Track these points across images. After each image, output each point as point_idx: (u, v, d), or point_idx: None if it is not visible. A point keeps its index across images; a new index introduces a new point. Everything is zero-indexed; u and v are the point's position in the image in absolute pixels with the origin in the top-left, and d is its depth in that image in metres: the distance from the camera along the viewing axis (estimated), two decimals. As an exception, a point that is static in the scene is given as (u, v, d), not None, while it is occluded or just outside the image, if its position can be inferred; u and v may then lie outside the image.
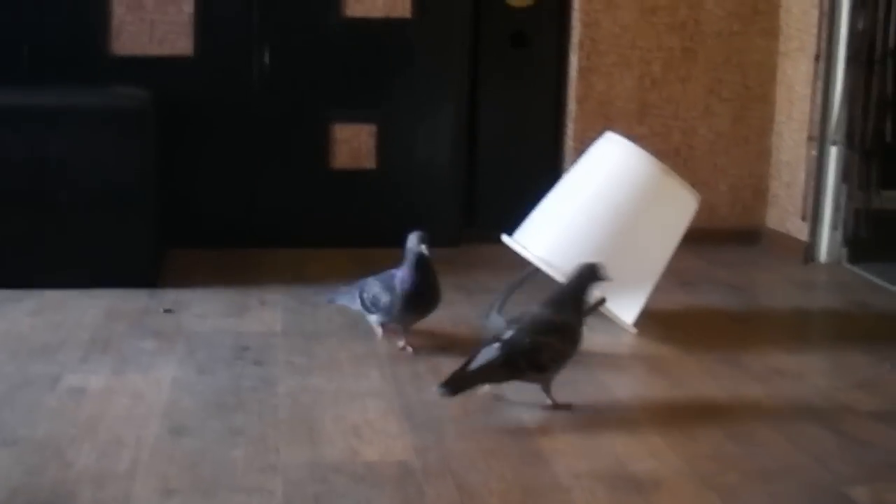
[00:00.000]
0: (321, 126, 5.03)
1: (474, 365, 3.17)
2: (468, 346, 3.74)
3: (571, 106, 5.22)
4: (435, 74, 5.10)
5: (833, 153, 4.99)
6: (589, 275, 3.32)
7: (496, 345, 3.19)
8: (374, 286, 3.74)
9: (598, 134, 4.16)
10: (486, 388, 3.24)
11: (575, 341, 3.27)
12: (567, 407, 3.22)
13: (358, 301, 3.80)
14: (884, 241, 5.00)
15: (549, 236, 3.96)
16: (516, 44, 5.23)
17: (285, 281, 4.48)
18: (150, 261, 4.41)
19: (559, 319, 3.26)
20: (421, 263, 3.63)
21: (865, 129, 4.88)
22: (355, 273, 4.54)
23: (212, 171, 5.02)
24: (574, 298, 3.31)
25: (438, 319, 3.99)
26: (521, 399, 3.26)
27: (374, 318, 3.77)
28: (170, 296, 4.24)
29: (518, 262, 4.05)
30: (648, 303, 3.97)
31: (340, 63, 5.01)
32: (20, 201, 4.26)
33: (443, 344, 3.79)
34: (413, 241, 3.63)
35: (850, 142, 4.92)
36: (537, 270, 3.95)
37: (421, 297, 3.68)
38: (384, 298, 3.68)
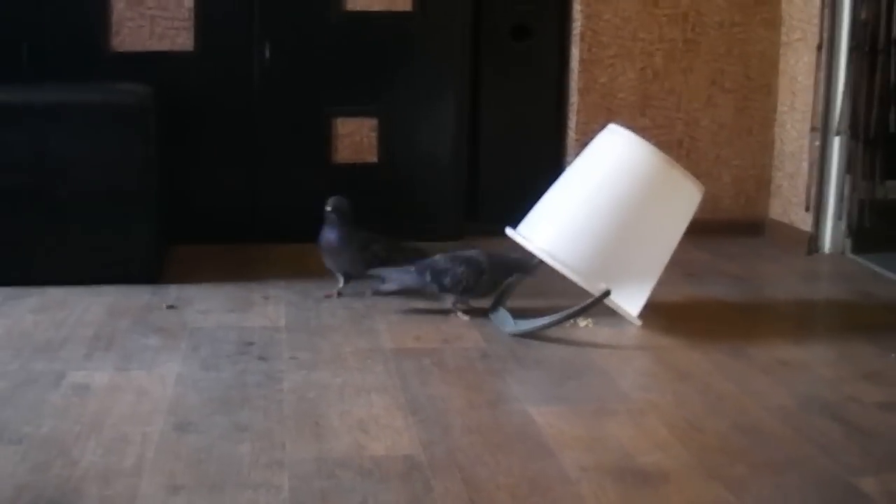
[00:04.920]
0: (322, 120, 5.02)
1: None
2: (471, 338, 3.76)
3: (573, 98, 5.20)
4: (436, 67, 5.09)
5: (836, 143, 4.97)
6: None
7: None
8: None
9: (600, 126, 4.15)
10: None
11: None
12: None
13: (435, 287, 4.09)
14: (888, 231, 4.99)
15: (552, 229, 3.95)
16: (517, 36, 5.21)
17: (288, 276, 4.46)
18: (153, 257, 4.40)
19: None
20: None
21: (869, 119, 4.87)
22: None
23: (213, 167, 5.01)
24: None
25: (444, 313, 3.99)
26: (526, 392, 3.26)
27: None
28: (172, 292, 4.23)
29: (522, 256, 4.04)
30: (653, 295, 3.95)
31: (341, 57, 5.00)
32: (22, 198, 4.24)
33: (447, 337, 3.78)
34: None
35: (854, 132, 4.90)
36: (541, 263, 3.94)
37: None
38: None
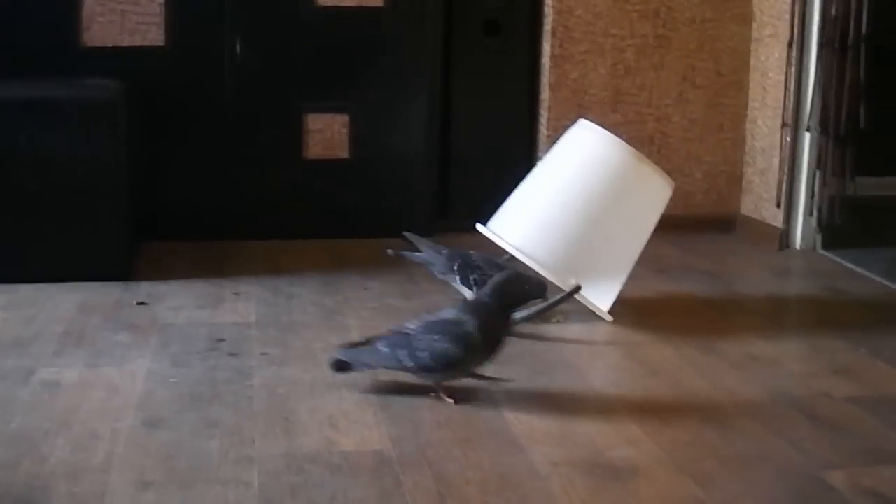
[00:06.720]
0: (294, 116, 5.01)
1: None
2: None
3: (545, 94, 5.21)
4: (407, 63, 5.08)
5: (807, 139, 4.99)
6: None
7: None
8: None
9: (571, 122, 4.16)
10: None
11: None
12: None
13: (457, 277, 3.96)
14: (858, 227, 5.02)
15: (523, 225, 3.95)
16: (489, 32, 5.21)
17: (259, 272, 4.46)
18: (123, 253, 4.38)
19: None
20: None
21: (839, 116, 4.89)
22: (329, 264, 4.56)
23: (184, 163, 4.99)
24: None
25: (414, 309, 3.99)
26: (496, 387, 3.26)
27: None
28: (143, 288, 4.22)
29: (493, 252, 4.04)
30: (624, 290, 3.96)
31: (313, 52, 4.99)
32: (-9, 195, 4.23)
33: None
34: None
35: (825, 128, 4.92)
36: (512, 259, 3.94)
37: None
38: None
